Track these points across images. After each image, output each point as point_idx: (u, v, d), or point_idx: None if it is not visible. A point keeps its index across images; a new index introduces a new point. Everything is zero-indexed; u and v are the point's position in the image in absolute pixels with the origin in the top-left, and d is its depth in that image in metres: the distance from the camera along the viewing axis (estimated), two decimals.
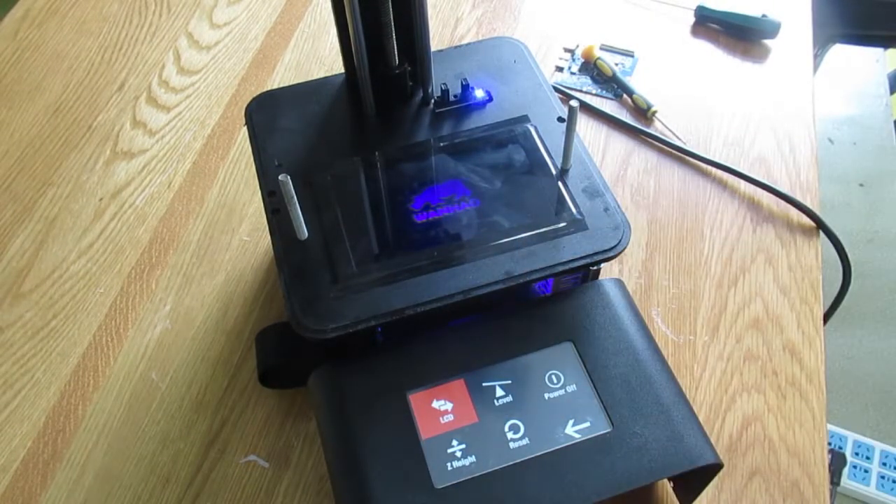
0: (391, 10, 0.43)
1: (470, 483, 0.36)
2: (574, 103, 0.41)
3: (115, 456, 0.46)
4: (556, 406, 0.39)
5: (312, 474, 0.45)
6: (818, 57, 1.25)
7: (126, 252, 0.55)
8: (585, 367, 0.40)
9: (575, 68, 0.66)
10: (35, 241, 0.56)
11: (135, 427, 0.47)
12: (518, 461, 0.37)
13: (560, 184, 0.44)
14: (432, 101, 0.48)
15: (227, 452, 0.46)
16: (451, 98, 0.48)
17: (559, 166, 0.44)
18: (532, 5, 0.71)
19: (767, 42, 0.67)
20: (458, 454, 0.37)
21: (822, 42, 1.21)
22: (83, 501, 0.44)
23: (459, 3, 0.72)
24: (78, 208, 0.58)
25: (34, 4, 0.73)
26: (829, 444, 1.12)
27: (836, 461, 1.09)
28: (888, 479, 1.08)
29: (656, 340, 0.42)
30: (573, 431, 0.38)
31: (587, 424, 0.38)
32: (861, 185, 1.42)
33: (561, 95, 0.64)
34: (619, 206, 0.43)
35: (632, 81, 0.64)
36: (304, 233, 0.41)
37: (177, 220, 0.57)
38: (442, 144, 0.46)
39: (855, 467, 1.09)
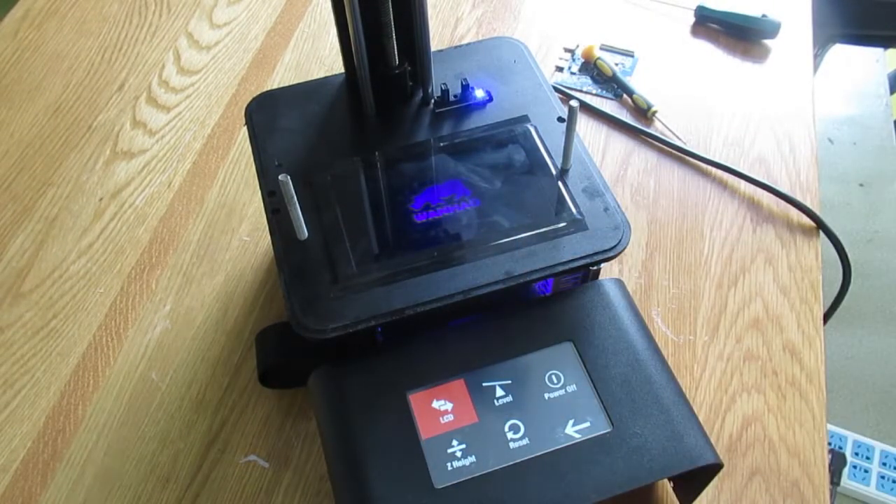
0: (391, 10, 0.43)
1: (470, 483, 0.36)
2: (574, 103, 0.41)
3: (114, 456, 0.46)
4: (556, 406, 0.39)
5: (312, 474, 0.45)
6: (818, 57, 1.25)
7: (126, 252, 0.55)
8: (585, 367, 0.40)
9: (575, 68, 0.66)
10: (35, 241, 0.56)
11: (135, 427, 0.47)
12: (518, 461, 0.37)
13: (560, 184, 0.44)
14: (432, 101, 0.48)
15: (227, 452, 0.46)
16: (451, 98, 0.48)
17: (559, 166, 0.44)
18: (532, 5, 0.71)
19: (767, 42, 0.67)
20: (458, 454, 0.37)
21: (822, 42, 1.21)
22: (83, 501, 0.44)
23: (459, 3, 0.72)
24: (78, 208, 0.58)
25: (34, 4, 0.73)
26: (829, 444, 1.12)
27: (836, 461, 1.09)
28: (888, 479, 1.08)
29: (656, 340, 0.42)
30: (573, 431, 0.38)
31: (587, 424, 0.38)
32: (861, 185, 1.42)
33: (561, 95, 0.64)
34: (619, 206, 0.43)
35: (632, 81, 0.64)
36: (304, 233, 0.41)
37: (177, 220, 0.57)
38: (442, 144, 0.46)
39: (855, 467, 1.09)
